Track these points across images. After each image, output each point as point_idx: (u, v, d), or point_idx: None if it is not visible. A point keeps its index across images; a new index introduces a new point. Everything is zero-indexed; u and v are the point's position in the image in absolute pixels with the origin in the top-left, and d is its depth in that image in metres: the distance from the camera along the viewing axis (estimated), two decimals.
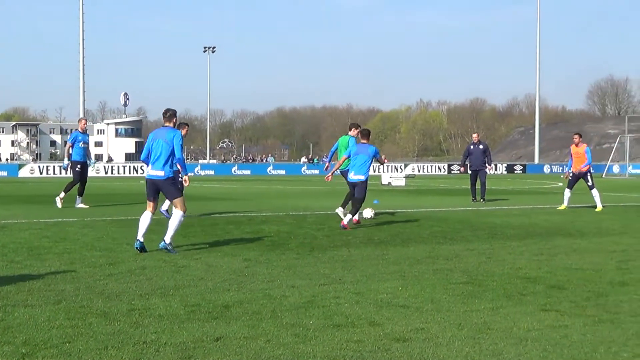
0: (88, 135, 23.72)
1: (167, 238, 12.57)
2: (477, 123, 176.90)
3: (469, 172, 28.29)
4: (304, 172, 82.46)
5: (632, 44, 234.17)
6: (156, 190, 13.07)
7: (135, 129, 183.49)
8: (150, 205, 13.00)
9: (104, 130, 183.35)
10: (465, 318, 7.64)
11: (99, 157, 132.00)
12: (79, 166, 22.95)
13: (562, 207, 23.32)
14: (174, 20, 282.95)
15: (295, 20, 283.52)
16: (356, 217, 17.72)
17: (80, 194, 23.14)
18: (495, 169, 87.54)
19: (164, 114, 13.12)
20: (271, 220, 18.93)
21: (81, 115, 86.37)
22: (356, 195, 17.53)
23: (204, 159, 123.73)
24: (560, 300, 8.58)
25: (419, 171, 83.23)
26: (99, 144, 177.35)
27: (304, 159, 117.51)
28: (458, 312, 7.92)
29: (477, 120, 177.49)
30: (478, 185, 27.59)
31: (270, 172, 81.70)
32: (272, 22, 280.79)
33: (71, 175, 23.27)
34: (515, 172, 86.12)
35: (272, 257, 12.05)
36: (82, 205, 22.88)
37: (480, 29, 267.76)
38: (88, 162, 23.42)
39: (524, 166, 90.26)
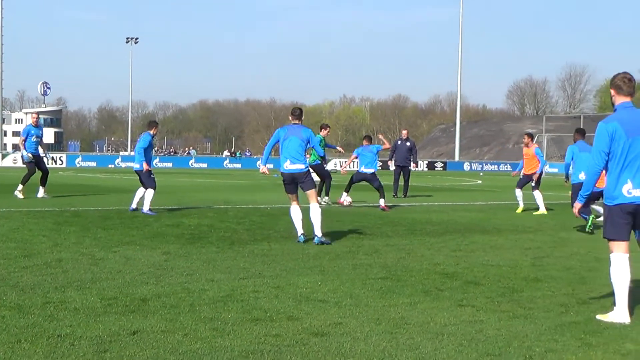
0: (41, 129, 24.05)
1: (319, 232, 13.35)
2: (400, 120, 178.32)
3: (393, 167, 28.60)
4: (226, 165, 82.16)
5: (551, 45, 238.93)
6: (296, 183, 13.82)
7: (55, 119, 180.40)
8: (294, 198, 13.92)
9: (22, 119, 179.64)
10: (383, 313, 7.70)
11: (16, 147, 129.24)
12: (33, 158, 23.30)
13: (519, 209, 22.09)
14: (97, 9, 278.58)
15: (220, 13, 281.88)
16: (382, 203, 21.71)
17: (43, 184, 23.47)
18: (417, 166, 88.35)
19: (293, 112, 14.30)
20: (192, 213, 18.79)
21: None
22: (376, 185, 22.05)
23: (125, 150, 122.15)
24: (477, 296, 8.72)
25: (340, 166, 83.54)
26: (17, 134, 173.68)
27: (226, 153, 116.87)
28: (376, 307, 7.98)
29: (400, 117, 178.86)
30: (401, 182, 27.89)
31: (192, 165, 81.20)
32: (197, 14, 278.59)
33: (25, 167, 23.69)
34: (436, 169, 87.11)
35: (191, 251, 11.97)
36: (44, 195, 23.27)
37: (404, 27, 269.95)
38: (44, 154, 24.01)
39: (445, 163, 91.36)
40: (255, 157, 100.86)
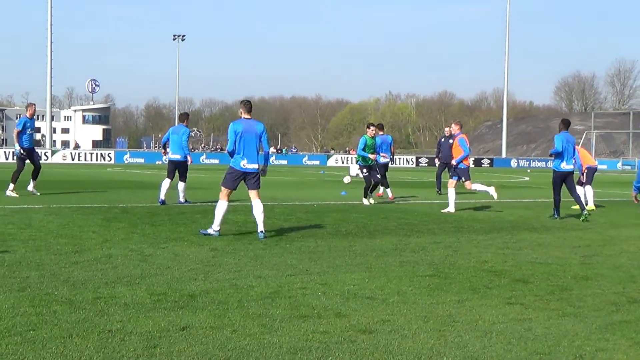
0: (35, 121, 23.31)
1: (262, 227, 13.43)
2: (446, 116, 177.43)
3: (437, 164, 28.54)
4: (272, 162, 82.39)
5: (600, 40, 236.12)
6: (243, 180, 13.74)
7: (103, 116, 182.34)
8: (229, 193, 13.76)
9: (71, 117, 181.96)
10: (431, 310, 7.68)
11: (66, 144, 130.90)
12: (25, 153, 22.52)
13: (590, 207, 21.34)
14: (144, 7, 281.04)
15: (266, 9, 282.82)
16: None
17: (34, 178, 22.80)
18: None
19: (245, 105, 13.62)
20: (238, 209, 18.86)
21: (48, 101, 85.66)
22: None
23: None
24: (525, 294, 8.66)
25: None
26: (65, 131, 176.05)
27: (272, 149, 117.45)
28: (424, 305, 7.96)
29: (446, 113, 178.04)
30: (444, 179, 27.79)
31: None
32: (243, 11, 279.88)
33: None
34: (483, 165, 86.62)
35: (239, 247, 12.04)
36: (33, 190, 22.59)
37: (450, 22, 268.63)
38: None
39: (491, 160, 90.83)
40: (301, 153, 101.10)
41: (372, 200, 21.95)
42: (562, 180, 18.60)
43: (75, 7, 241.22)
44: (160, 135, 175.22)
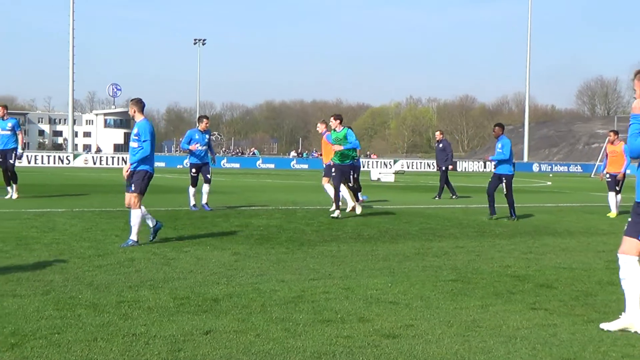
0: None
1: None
2: (467, 120, 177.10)
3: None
4: (293, 166, 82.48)
5: (622, 45, 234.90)
6: None
7: (124, 120, 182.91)
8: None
9: (92, 120, 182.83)
10: (454, 315, 7.65)
11: (87, 148, 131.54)
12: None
13: (612, 214, 20.73)
14: (165, 12, 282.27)
15: (286, 13, 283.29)
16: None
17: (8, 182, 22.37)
18: (485, 167, 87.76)
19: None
20: (260, 214, 18.91)
21: (70, 105, 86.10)
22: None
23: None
24: (549, 299, 8.61)
25: (408, 167, 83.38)
26: (87, 135, 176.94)
27: (293, 153, 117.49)
28: (447, 310, 7.93)
29: (467, 117, 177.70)
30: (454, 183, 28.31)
31: (259, 165, 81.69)
32: (263, 15, 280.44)
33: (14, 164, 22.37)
34: None
35: (261, 251, 12.04)
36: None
37: (471, 26, 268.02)
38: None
39: (513, 164, 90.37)
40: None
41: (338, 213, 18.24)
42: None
43: (97, 11, 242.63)
44: (180, 139, 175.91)
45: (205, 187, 19.87)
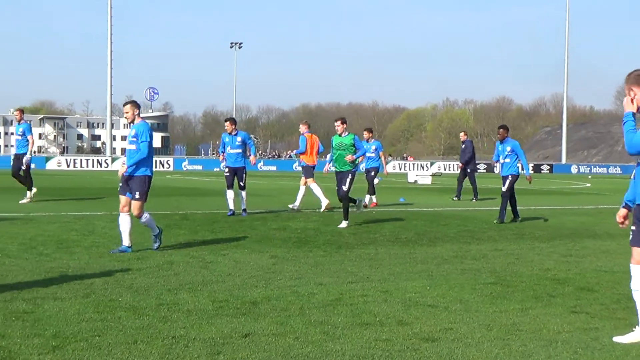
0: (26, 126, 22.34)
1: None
2: (503, 122, 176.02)
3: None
4: (331, 169, 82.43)
5: None
6: None
7: (162, 124, 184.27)
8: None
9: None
10: (494, 319, 7.60)
11: (125, 151, 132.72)
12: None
13: None
14: (201, 15, 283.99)
15: (321, 16, 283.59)
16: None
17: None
18: (522, 169, 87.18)
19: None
20: (297, 217, 18.93)
21: (108, 109, 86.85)
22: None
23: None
24: (590, 303, 8.52)
25: (444, 169, 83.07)
26: (125, 138, 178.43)
27: (329, 156, 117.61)
28: (487, 313, 7.88)
29: (503, 119, 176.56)
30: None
31: (295, 168, 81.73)
32: (299, 18, 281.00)
33: (20, 168, 22.13)
34: (542, 172, 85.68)
35: (299, 254, 12.05)
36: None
37: (507, 26, 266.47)
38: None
39: (551, 166, 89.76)
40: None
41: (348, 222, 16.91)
42: None
43: (135, 16, 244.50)
44: (217, 142, 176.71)
45: (241, 194, 19.33)
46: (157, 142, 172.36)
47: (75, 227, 15.26)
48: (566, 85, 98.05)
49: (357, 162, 17.60)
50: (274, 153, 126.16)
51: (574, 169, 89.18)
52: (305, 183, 21.22)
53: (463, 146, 28.79)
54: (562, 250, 13.10)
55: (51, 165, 71.13)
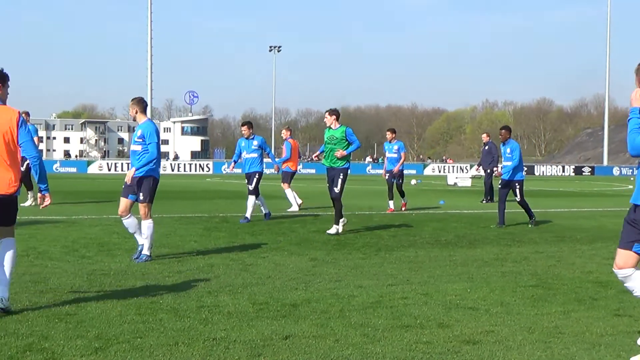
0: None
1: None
2: (544, 124, 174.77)
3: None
4: (369, 171, 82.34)
5: None
6: None
7: (201, 128, 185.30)
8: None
9: (170, 128, 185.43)
10: (535, 321, 7.54)
11: (165, 155, 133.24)
12: None
13: None
14: (240, 19, 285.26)
15: (360, 19, 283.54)
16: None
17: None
18: (563, 171, 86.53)
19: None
20: None
21: (148, 113, 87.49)
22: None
23: (268, 157, 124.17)
24: (634, 305, 8.40)
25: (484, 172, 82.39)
26: (165, 142, 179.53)
27: (368, 159, 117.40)
28: (528, 315, 7.82)
29: (544, 121, 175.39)
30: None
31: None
32: (337, 21, 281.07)
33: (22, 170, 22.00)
34: (583, 174, 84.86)
35: (338, 257, 12.05)
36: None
37: (547, 27, 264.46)
38: None
39: (592, 168, 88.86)
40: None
41: (339, 228, 15.62)
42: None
43: (174, 19, 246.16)
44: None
45: (250, 200, 18.19)
46: (196, 145, 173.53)
47: (116, 230, 15.39)
48: (608, 86, 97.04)
49: (349, 158, 15.76)
50: (313, 156, 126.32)
51: (615, 171, 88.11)
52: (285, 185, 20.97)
53: (486, 148, 28.42)
54: (603, 253, 12.95)
55: (92, 169, 71.83)
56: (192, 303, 8.18)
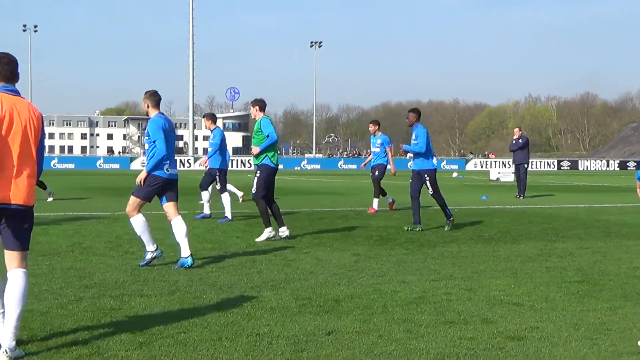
0: None
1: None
2: (588, 119, 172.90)
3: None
4: (410, 166, 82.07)
5: None
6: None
7: (243, 124, 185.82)
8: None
9: None
10: (581, 317, 7.44)
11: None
12: None
13: None
14: (281, 15, 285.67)
15: (401, 14, 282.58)
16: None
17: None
18: (607, 166, 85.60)
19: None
20: (378, 215, 18.89)
21: (190, 110, 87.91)
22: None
23: (310, 153, 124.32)
24: None
25: (527, 167, 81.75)
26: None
27: (410, 154, 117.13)
28: (574, 312, 7.72)
29: (588, 115, 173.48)
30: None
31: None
32: (378, 17, 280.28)
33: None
34: (629, 168, 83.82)
35: (381, 252, 12.01)
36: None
37: (589, 21, 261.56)
38: None
39: (637, 163, 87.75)
40: (439, 158, 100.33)
41: (274, 234, 13.89)
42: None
43: (216, 16, 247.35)
44: (298, 142, 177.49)
45: (223, 198, 17.76)
46: (238, 141, 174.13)
47: (159, 225, 15.45)
48: None
49: (270, 153, 13.89)
50: (354, 152, 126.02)
51: None
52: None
53: (521, 142, 28.06)
54: None
55: (135, 165, 72.36)
56: (235, 298, 8.20)
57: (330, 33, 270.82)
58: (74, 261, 10.75)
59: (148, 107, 10.81)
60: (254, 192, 13.76)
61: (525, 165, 27.60)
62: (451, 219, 15.58)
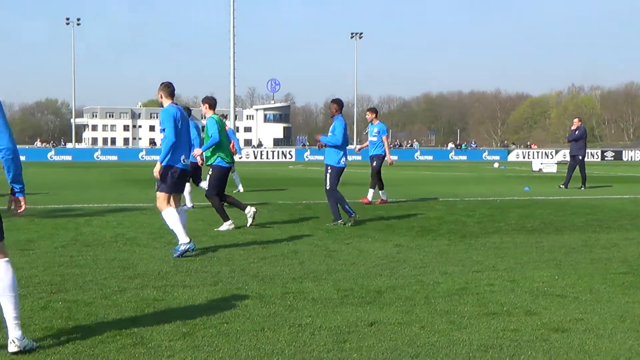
0: None
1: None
2: (632, 108, 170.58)
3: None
4: (452, 157, 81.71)
5: None
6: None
7: (284, 115, 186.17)
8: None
9: (253, 115, 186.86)
10: (627, 309, 7.35)
11: (248, 142, 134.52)
12: None
13: None
14: (322, 6, 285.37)
15: (442, 3, 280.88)
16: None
17: None
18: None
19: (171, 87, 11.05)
20: (420, 206, 18.81)
21: (232, 101, 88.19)
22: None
23: (351, 144, 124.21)
24: None
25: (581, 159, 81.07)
26: (248, 129, 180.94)
27: (451, 145, 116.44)
28: (619, 303, 7.63)
29: (632, 105, 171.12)
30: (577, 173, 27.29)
31: (417, 157, 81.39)
32: (419, 7, 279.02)
33: None
34: None
35: (422, 243, 11.96)
36: None
37: (634, 9, 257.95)
38: None
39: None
40: (481, 148, 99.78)
41: (232, 225, 13.77)
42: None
43: (256, 8, 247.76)
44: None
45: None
46: (279, 132, 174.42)
47: (200, 216, 15.58)
48: None
49: (221, 153, 13.70)
50: (396, 143, 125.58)
51: None
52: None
53: (577, 133, 27.68)
54: None
55: None
56: (277, 289, 8.22)
57: (371, 24, 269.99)
58: (118, 252, 10.84)
59: (162, 97, 10.90)
60: (206, 189, 13.83)
61: (580, 157, 27.15)
62: (353, 215, 14.40)
